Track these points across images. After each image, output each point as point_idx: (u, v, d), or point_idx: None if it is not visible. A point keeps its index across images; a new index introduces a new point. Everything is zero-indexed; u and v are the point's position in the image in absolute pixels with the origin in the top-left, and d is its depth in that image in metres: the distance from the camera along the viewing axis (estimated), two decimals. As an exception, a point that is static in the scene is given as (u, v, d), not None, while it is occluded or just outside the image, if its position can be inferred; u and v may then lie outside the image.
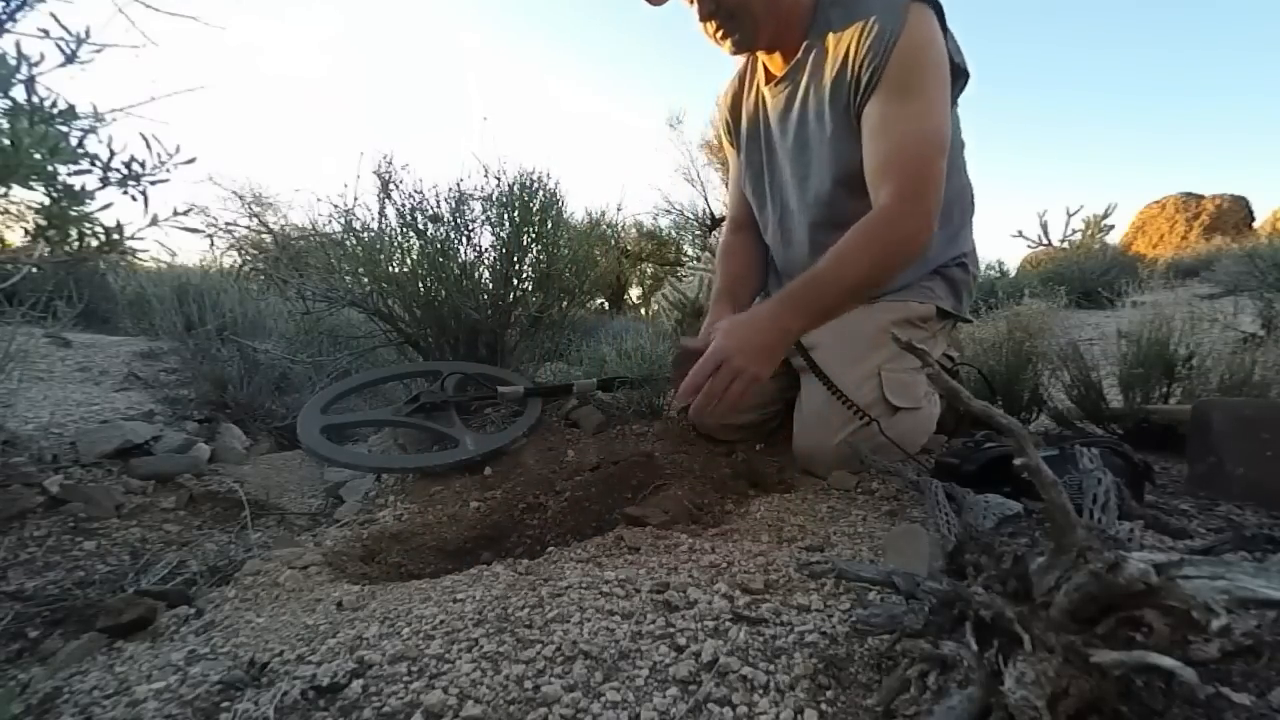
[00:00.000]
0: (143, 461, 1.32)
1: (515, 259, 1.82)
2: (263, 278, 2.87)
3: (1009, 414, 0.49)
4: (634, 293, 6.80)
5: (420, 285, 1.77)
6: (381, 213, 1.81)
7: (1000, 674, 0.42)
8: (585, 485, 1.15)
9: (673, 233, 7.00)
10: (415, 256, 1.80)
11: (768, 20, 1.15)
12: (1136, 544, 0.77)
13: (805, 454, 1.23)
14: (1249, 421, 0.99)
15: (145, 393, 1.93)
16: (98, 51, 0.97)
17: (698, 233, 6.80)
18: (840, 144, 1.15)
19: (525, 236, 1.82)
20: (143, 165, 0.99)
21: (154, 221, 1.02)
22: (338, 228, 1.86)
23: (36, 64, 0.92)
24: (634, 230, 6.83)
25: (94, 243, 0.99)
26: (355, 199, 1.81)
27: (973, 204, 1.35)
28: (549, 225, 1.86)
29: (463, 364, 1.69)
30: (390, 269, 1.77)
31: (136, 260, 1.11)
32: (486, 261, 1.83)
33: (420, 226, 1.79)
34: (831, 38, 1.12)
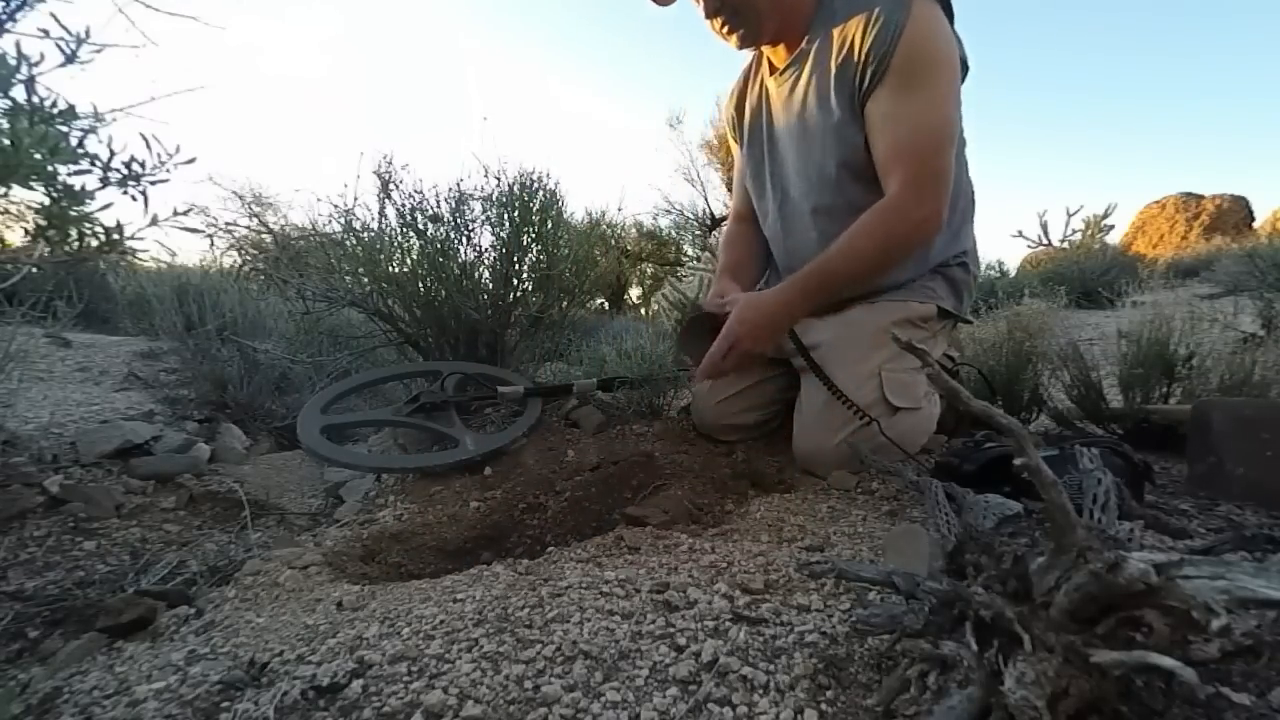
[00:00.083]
0: (143, 461, 1.32)
1: (515, 259, 1.82)
2: (263, 278, 2.87)
3: (1009, 414, 0.49)
4: (634, 293, 6.80)
5: (420, 285, 1.77)
6: (381, 213, 1.81)
7: (1000, 674, 0.42)
8: (585, 485, 1.15)
9: (673, 233, 7.00)
10: (415, 256, 1.79)
11: (771, 14, 1.18)
12: (1136, 544, 0.77)
13: (805, 454, 1.23)
14: (1249, 421, 0.99)
15: (145, 393, 1.93)
16: (98, 51, 0.97)
17: (698, 233, 6.80)
18: (845, 130, 1.16)
19: (525, 236, 1.82)
20: (143, 165, 0.98)
21: (154, 221, 1.02)
22: (338, 228, 1.86)
23: (36, 64, 0.92)
24: (634, 230, 6.83)
25: (94, 243, 0.99)
26: (355, 199, 1.81)
27: (973, 202, 1.35)
28: (549, 225, 1.86)
29: (463, 364, 1.69)
30: (390, 269, 1.76)
31: (136, 260, 1.11)
32: (486, 261, 1.83)
33: (420, 226, 1.79)
34: (836, 28, 1.13)
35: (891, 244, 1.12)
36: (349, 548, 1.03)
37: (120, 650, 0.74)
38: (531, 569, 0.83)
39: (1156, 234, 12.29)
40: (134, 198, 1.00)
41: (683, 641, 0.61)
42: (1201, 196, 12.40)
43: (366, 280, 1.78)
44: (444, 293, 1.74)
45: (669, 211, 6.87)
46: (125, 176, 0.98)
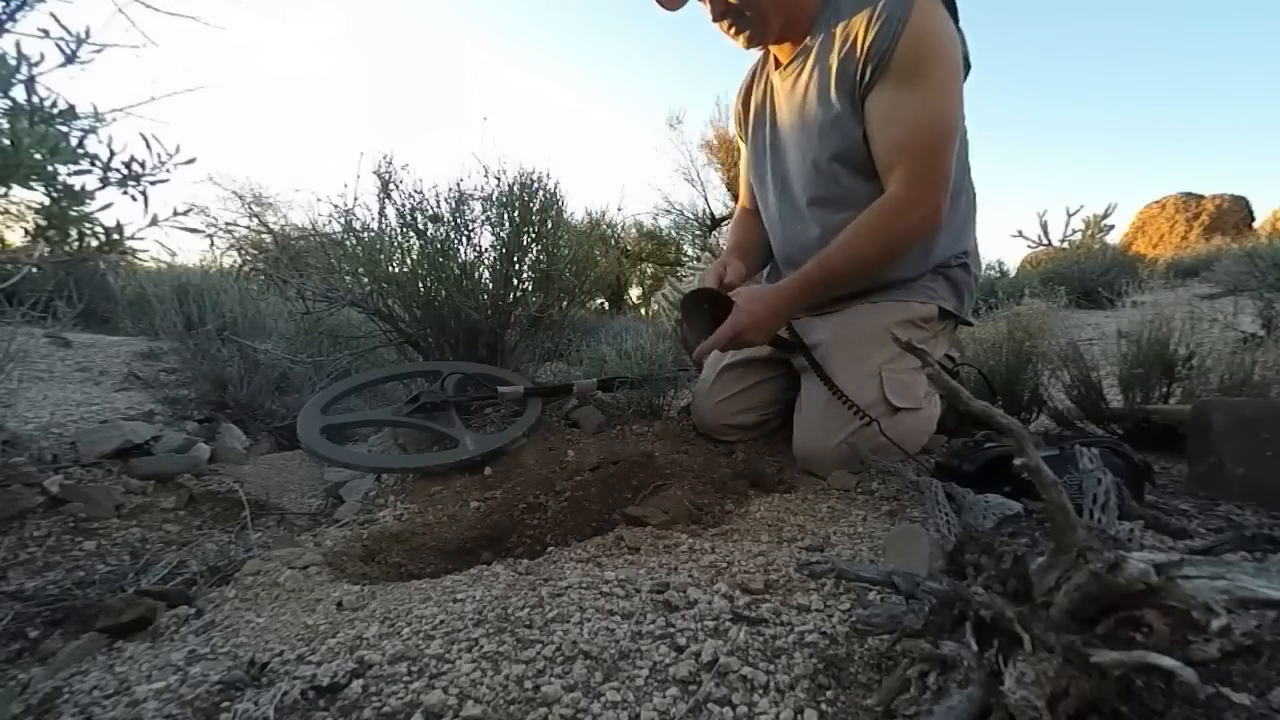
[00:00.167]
0: (143, 461, 1.32)
1: (515, 259, 1.82)
2: (263, 278, 2.87)
3: (1009, 414, 0.49)
4: (634, 293, 6.80)
5: (420, 285, 1.77)
6: (381, 213, 1.80)
7: (1000, 674, 0.42)
8: (585, 485, 1.15)
9: (673, 233, 7.00)
10: (415, 256, 1.79)
11: (775, 14, 1.20)
12: (1136, 544, 0.77)
13: (805, 454, 1.23)
14: (1249, 421, 0.99)
15: (145, 393, 1.93)
16: (98, 51, 0.97)
17: (698, 233, 6.80)
18: (843, 123, 1.18)
19: (525, 236, 1.82)
20: (143, 165, 0.98)
21: (154, 221, 1.02)
22: (338, 228, 1.86)
23: (36, 64, 0.92)
24: (634, 230, 6.83)
25: (94, 243, 0.99)
26: (355, 199, 1.81)
27: (975, 204, 1.36)
28: (549, 225, 1.86)
29: (463, 364, 1.69)
30: (390, 269, 1.76)
31: (136, 260, 1.11)
32: (486, 261, 1.83)
33: (420, 226, 1.79)
34: (840, 25, 1.15)
35: (892, 241, 1.14)
36: (349, 548, 1.03)
37: (120, 650, 0.74)
38: (531, 569, 0.83)
39: (1156, 234, 12.29)
40: (134, 198, 1.00)
41: (683, 641, 0.61)
42: (1201, 196, 12.40)
43: (366, 280, 1.78)
44: (444, 293, 1.74)
45: (669, 211, 6.88)
46: (125, 176, 0.98)
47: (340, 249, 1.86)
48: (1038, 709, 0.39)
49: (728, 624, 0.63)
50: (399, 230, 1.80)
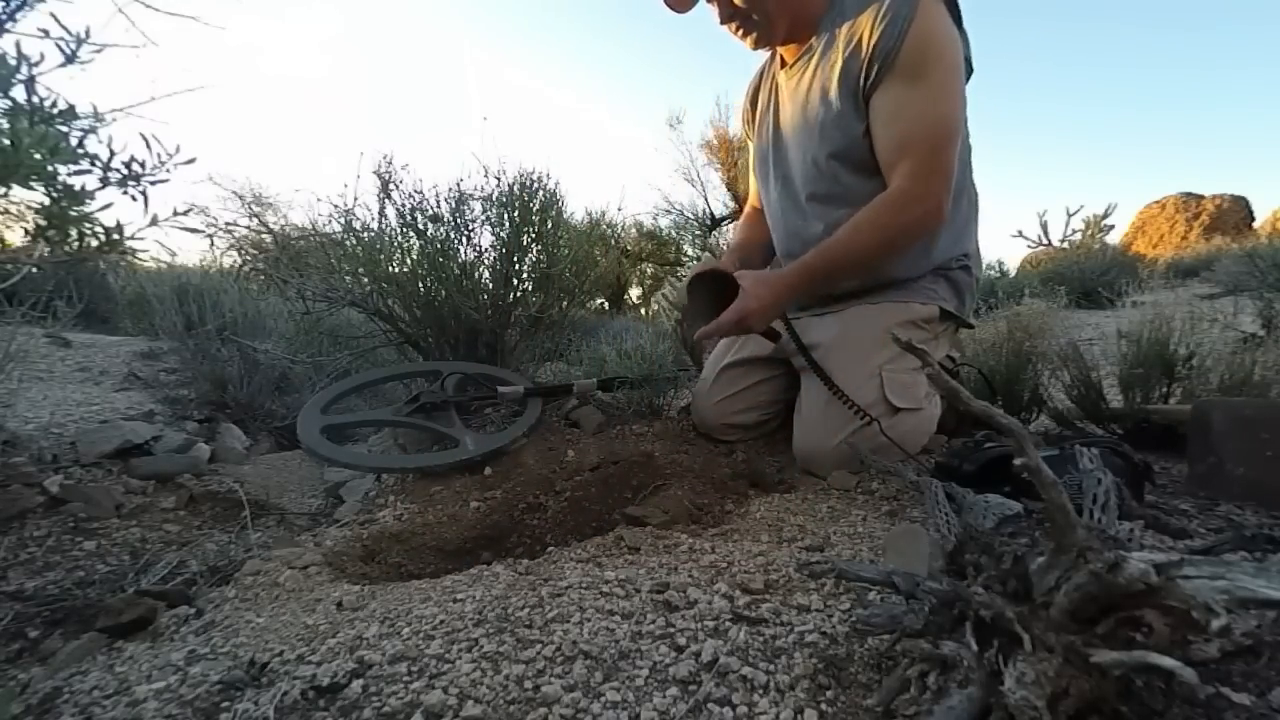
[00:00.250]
0: (143, 461, 1.32)
1: (515, 259, 1.82)
2: (263, 278, 2.87)
3: (1009, 414, 0.49)
4: (634, 293, 6.80)
5: (420, 285, 1.77)
6: (381, 213, 1.80)
7: (1000, 674, 0.42)
8: (585, 485, 1.15)
9: (673, 233, 7.00)
10: (415, 256, 1.79)
11: (782, 16, 1.22)
12: (1136, 544, 0.77)
13: (805, 454, 1.23)
14: (1249, 421, 0.99)
15: (145, 393, 1.93)
16: (98, 51, 0.97)
17: (698, 233, 6.80)
18: (844, 121, 1.19)
19: (525, 236, 1.82)
20: (143, 165, 0.98)
21: (154, 221, 1.02)
22: (338, 228, 1.86)
23: (36, 64, 0.92)
24: (634, 230, 6.83)
25: (94, 243, 0.99)
26: (355, 199, 1.81)
27: (977, 206, 1.36)
28: (549, 225, 1.86)
29: (463, 364, 1.69)
30: (390, 269, 1.76)
31: (136, 260, 1.11)
32: (486, 261, 1.83)
33: (420, 226, 1.79)
34: (845, 25, 1.17)
35: (894, 234, 1.15)
36: (349, 548, 1.03)
37: (120, 650, 0.74)
38: (531, 569, 0.83)
39: (1156, 234, 12.29)
40: (134, 198, 1.00)
41: (683, 641, 0.61)
42: (1201, 197, 12.41)
43: (366, 280, 1.78)
44: (444, 293, 1.74)
45: (669, 211, 6.88)
46: (125, 176, 0.98)
47: (340, 249, 1.86)
48: (1038, 709, 0.39)
49: (728, 624, 0.63)
50: (399, 230, 1.80)
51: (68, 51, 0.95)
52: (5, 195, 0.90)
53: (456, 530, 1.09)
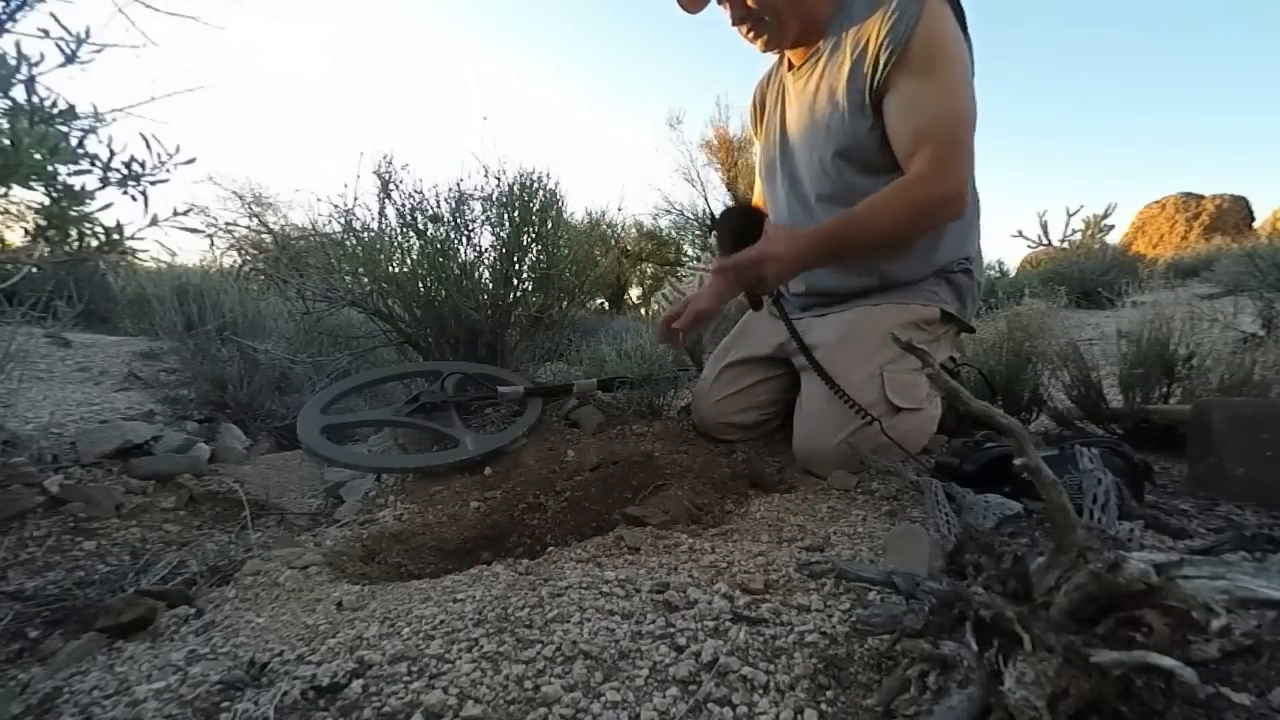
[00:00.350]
0: (143, 461, 1.32)
1: (515, 259, 1.82)
2: (263, 278, 2.87)
3: (1009, 414, 0.49)
4: (634, 293, 6.80)
5: (420, 285, 1.77)
6: (381, 213, 1.80)
7: (1000, 674, 0.42)
8: (585, 485, 1.15)
9: (673, 233, 7.00)
10: (415, 256, 1.79)
11: (792, 19, 1.24)
12: (1136, 544, 0.77)
13: (805, 454, 1.23)
14: (1249, 421, 0.99)
15: (145, 393, 1.93)
16: (98, 51, 0.97)
17: (698, 233, 6.80)
18: (850, 121, 1.20)
19: (525, 236, 1.82)
20: (143, 165, 0.98)
21: (154, 221, 1.02)
22: (338, 228, 1.86)
23: (36, 64, 0.92)
24: (634, 230, 6.83)
25: (94, 243, 0.99)
26: (355, 199, 1.81)
27: (979, 210, 1.37)
28: (549, 225, 1.86)
29: (463, 364, 1.68)
30: (390, 269, 1.76)
31: (136, 260, 1.11)
32: (486, 261, 1.83)
33: (420, 226, 1.79)
34: (853, 27, 1.19)
35: (916, 212, 1.14)
36: (349, 548, 1.03)
37: (120, 650, 0.74)
38: (531, 569, 0.83)
39: (1156, 234, 12.30)
40: (134, 198, 1.00)
41: (683, 641, 0.61)
42: (1201, 196, 12.41)
43: (366, 280, 1.78)
44: (444, 293, 1.74)
45: (669, 211, 6.88)
46: (125, 176, 0.98)
47: (340, 249, 1.86)
48: (1038, 709, 0.39)
49: (728, 624, 0.63)
50: (399, 230, 1.80)
51: (68, 51, 0.95)
52: (5, 195, 0.90)
53: (456, 530, 1.09)
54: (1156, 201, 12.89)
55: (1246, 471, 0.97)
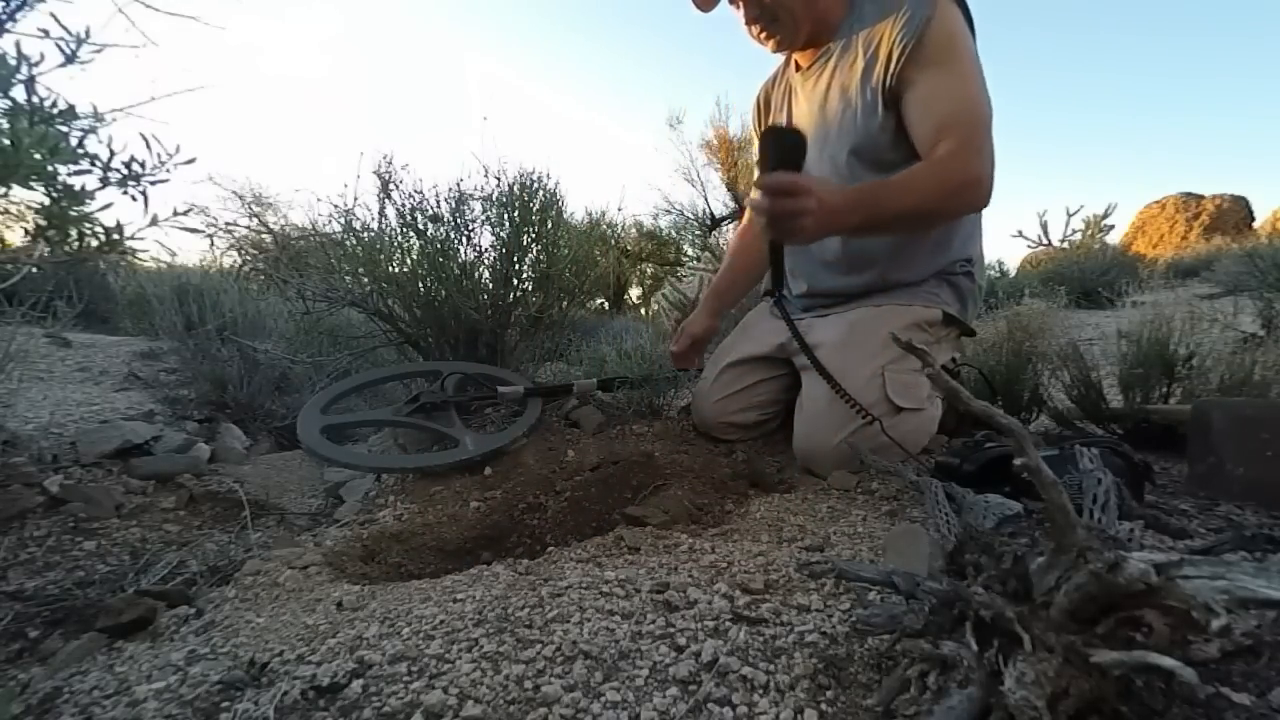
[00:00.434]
0: (143, 461, 1.32)
1: (515, 259, 1.82)
2: (263, 278, 2.87)
3: (1009, 414, 0.49)
4: (634, 293, 6.80)
5: (420, 285, 1.77)
6: (381, 213, 1.81)
7: (1000, 674, 0.42)
8: (585, 485, 1.15)
9: (673, 233, 7.00)
10: (415, 256, 1.79)
11: (806, 19, 1.25)
12: (1136, 544, 0.77)
13: (806, 454, 1.23)
14: (1249, 421, 0.99)
15: (145, 393, 1.93)
16: (98, 51, 0.97)
17: (698, 233, 6.80)
18: (864, 117, 1.21)
19: (525, 236, 1.82)
20: (143, 165, 0.99)
21: (154, 221, 1.02)
22: (338, 228, 1.86)
23: (36, 64, 0.92)
24: (634, 230, 6.83)
25: (94, 243, 0.99)
26: (355, 199, 1.81)
27: (981, 213, 1.37)
28: (549, 225, 1.86)
29: (463, 364, 1.68)
30: (390, 269, 1.76)
31: (136, 260, 1.11)
32: (486, 261, 1.83)
33: (420, 226, 1.79)
34: (864, 29, 1.21)
35: (946, 191, 1.11)
36: (349, 548, 1.03)
37: (120, 650, 0.74)
38: (531, 569, 0.83)
39: (1156, 234, 12.30)
40: (134, 198, 1.00)
41: (683, 641, 0.61)
42: (1201, 196, 12.41)
43: (366, 280, 1.78)
44: (444, 293, 1.74)
45: (669, 211, 6.87)
46: (125, 176, 0.98)
47: (340, 249, 1.86)
48: (1038, 709, 0.39)
49: (728, 624, 0.63)
50: (399, 230, 1.80)
51: (68, 51, 0.95)
52: (5, 195, 0.90)
53: (456, 530, 1.09)
54: (1156, 201, 12.90)
55: (1246, 471, 0.97)
